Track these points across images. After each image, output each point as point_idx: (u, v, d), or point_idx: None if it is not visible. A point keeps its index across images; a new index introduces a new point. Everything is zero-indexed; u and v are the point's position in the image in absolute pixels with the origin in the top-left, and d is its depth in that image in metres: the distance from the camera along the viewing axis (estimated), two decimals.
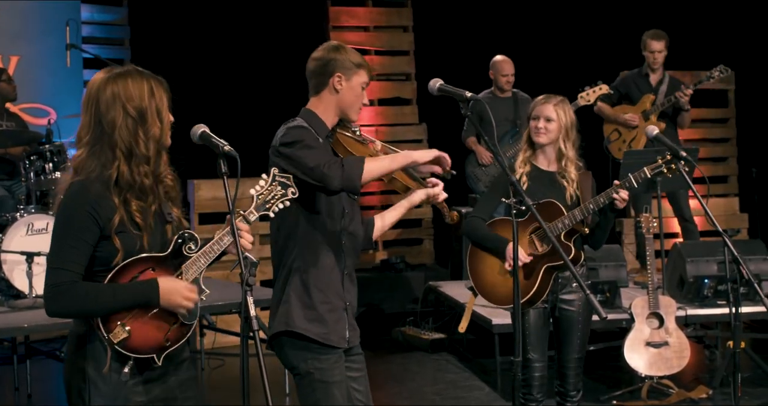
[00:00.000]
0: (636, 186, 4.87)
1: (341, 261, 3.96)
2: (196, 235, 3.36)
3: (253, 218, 3.40)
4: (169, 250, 3.31)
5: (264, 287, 7.97)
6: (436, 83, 3.99)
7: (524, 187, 4.95)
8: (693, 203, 8.62)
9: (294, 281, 3.93)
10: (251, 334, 3.16)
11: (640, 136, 8.24)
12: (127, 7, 10.18)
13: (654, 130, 4.98)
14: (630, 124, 8.34)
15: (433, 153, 3.86)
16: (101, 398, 3.25)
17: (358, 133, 4.02)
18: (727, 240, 4.37)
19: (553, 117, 5.01)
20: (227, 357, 8.03)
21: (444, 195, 3.96)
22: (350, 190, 3.81)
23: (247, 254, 3.25)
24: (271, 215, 3.45)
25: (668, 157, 4.83)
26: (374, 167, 3.75)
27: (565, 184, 5.02)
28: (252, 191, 3.41)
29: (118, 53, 10.02)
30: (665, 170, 4.83)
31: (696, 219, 8.66)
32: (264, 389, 3.11)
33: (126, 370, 3.24)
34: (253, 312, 3.15)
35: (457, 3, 11.10)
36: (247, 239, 3.34)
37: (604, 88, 8.03)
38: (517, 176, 5.00)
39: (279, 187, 3.46)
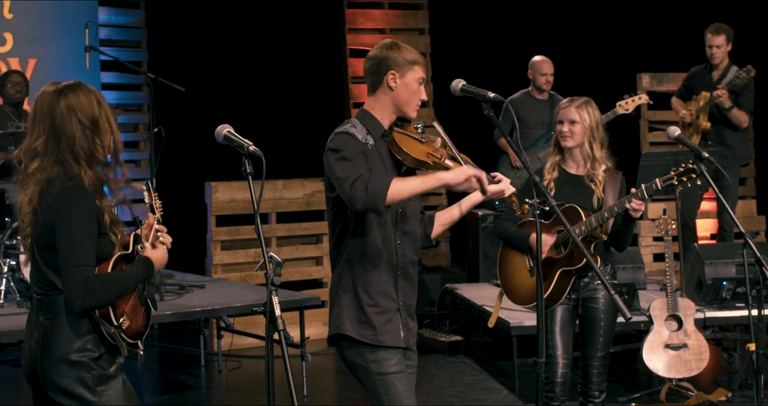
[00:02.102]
0: (647, 197, 4.86)
1: (394, 262, 3.95)
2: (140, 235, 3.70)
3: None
4: (131, 249, 3.62)
5: (280, 289, 7.99)
6: (458, 84, 3.98)
7: (552, 191, 5.01)
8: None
9: (344, 283, 3.96)
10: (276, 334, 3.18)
11: (692, 134, 8.20)
12: (144, 10, 10.20)
13: (675, 131, 4.97)
14: (684, 122, 8.27)
15: (466, 173, 3.79)
16: (103, 381, 3.51)
17: (421, 129, 3.99)
18: (749, 241, 4.37)
19: (577, 119, 5.04)
20: (244, 359, 8.03)
21: (511, 190, 3.94)
22: (373, 211, 3.82)
23: (272, 253, 3.29)
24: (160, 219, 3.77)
25: (681, 169, 4.81)
26: (400, 189, 3.72)
27: (593, 187, 5.04)
28: (146, 200, 3.74)
29: (136, 56, 10.04)
30: (676, 182, 4.82)
31: (713, 221, 8.62)
32: (289, 388, 3.12)
33: (141, 352, 3.59)
34: (278, 312, 3.17)
35: (473, 5, 11.09)
36: (168, 238, 3.70)
37: (644, 98, 7.94)
38: (545, 183, 5.07)
39: (157, 199, 3.80)
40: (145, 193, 3.76)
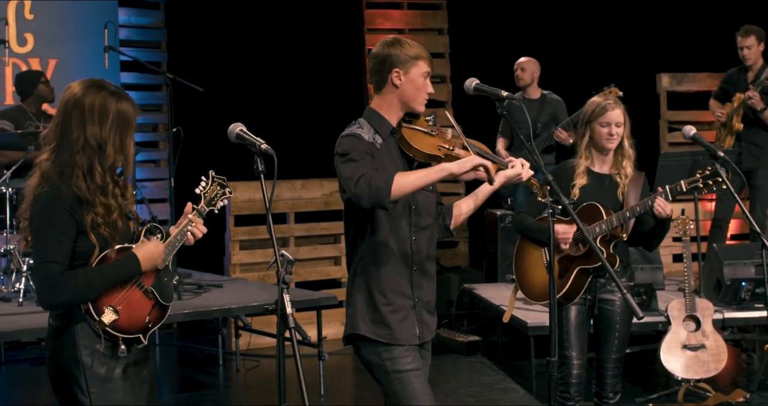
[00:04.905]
0: (671, 198, 4.84)
1: (409, 258, 3.96)
2: (159, 226, 3.59)
3: (205, 212, 3.64)
4: (141, 241, 3.52)
5: (298, 288, 8.01)
6: (472, 83, 3.99)
7: (575, 197, 4.96)
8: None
9: (359, 283, 3.96)
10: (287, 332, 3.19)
11: (726, 135, 8.19)
12: (163, 11, 10.24)
13: (691, 130, 4.96)
14: (720, 122, 8.27)
15: (472, 162, 3.69)
16: (97, 382, 3.41)
17: (431, 122, 3.97)
18: (766, 242, 4.34)
19: (623, 121, 5.02)
20: (262, 358, 8.05)
21: (529, 173, 3.90)
22: (380, 208, 3.75)
23: (283, 251, 3.30)
24: (216, 211, 3.69)
25: (708, 171, 4.78)
26: (404, 183, 3.66)
27: (619, 180, 5.02)
28: (197, 190, 3.65)
29: (155, 56, 10.08)
30: (701, 185, 4.79)
31: (734, 222, 8.55)
32: (300, 388, 3.11)
33: (123, 347, 3.44)
34: (289, 310, 3.17)
35: (492, 5, 11.08)
36: (201, 230, 3.59)
37: (614, 91, 7.92)
38: (574, 188, 5.01)
39: (218, 187, 3.70)
40: (202, 183, 3.67)
